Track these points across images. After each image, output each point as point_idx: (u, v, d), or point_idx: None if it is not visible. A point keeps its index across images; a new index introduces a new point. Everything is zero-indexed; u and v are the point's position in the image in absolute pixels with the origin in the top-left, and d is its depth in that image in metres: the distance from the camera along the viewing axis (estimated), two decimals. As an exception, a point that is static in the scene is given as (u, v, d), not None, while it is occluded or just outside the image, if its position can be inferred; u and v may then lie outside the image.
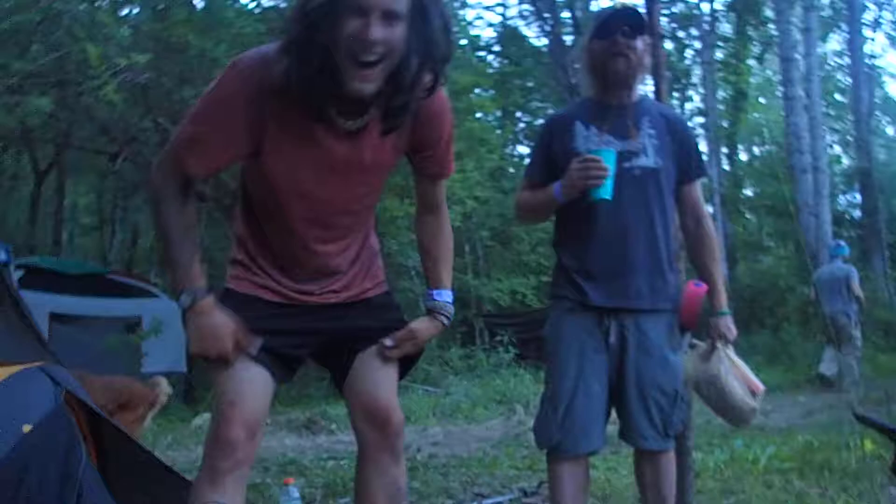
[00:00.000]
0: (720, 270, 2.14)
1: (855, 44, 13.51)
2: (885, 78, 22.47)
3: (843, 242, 7.89)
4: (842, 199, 16.48)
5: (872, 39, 13.94)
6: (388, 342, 1.55)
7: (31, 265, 7.80)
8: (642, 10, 2.07)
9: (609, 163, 1.87)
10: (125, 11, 7.14)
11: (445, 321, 1.61)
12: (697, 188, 2.11)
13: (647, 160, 1.97)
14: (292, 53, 1.25)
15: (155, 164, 1.46)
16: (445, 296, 1.61)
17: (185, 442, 5.43)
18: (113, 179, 11.05)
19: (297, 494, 2.63)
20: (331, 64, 1.22)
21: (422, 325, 1.60)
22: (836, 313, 7.19)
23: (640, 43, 1.97)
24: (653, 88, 2.50)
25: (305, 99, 1.30)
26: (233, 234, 1.62)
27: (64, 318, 7.30)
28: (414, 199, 1.69)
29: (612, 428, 2.03)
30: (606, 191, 1.87)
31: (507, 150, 16.93)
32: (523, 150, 17.73)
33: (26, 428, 1.72)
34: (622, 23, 1.96)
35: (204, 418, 6.31)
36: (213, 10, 6.61)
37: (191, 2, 6.77)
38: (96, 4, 6.04)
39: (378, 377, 1.56)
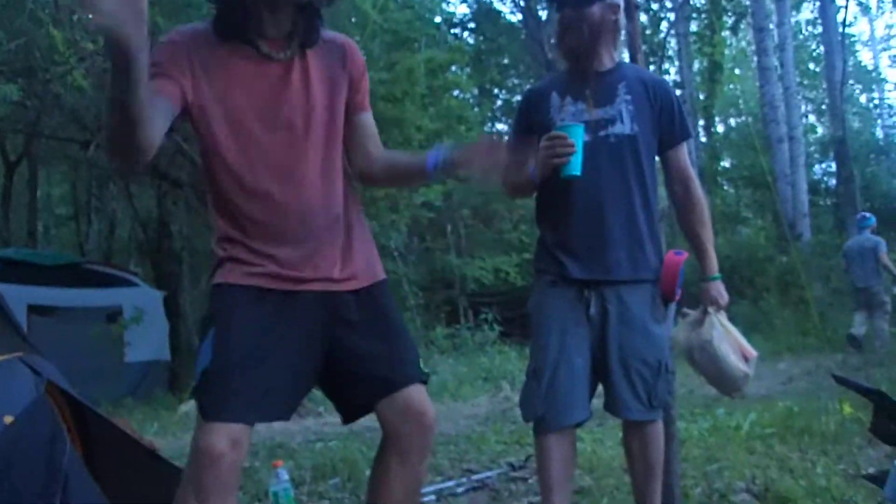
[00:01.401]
0: (710, 235, 2.09)
1: (827, 12, 13.58)
2: (857, 46, 22.76)
3: (868, 214, 8.08)
4: (817, 168, 16.70)
5: (844, 8, 13.99)
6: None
7: (5, 258, 7.67)
8: None
9: (576, 138, 1.85)
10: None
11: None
12: (683, 152, 2.07)
13: (623, 127, 1.95)
14: None
15: None
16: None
17: (171, 429, 5.41)
18: (86, 168, 10.84)
19: (286, 477, 2.63)
20: None
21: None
22: (868, 282, 7.43)
23: (597, 9, 1.95)
24: (628, 60, 2.49)
25: (237, 30, 1.44)
26: (213, 229, 1.55)
27: (42, 309, 7.20)
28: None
29: (597, 401, 2.05)
30: (575, 167, 1.86)
31: (486, 128, 16.86)
32: (502, 126, 17.70)
33: (8, 419, 1.70)
34: None
35: (189, 405, 6.28)
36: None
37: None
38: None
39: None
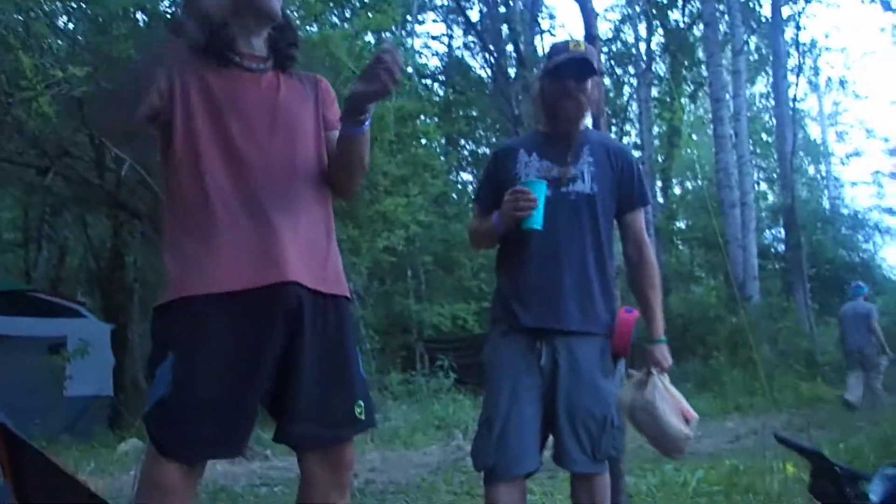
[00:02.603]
0: (658, 299, 2.15)
1: (779, 87, 14.35)
2: (806, 120, 23.98)
3: (861, 283, 8.55)
4: (767, 234, 17.31)
5: (795, 84, 14.78)
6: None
7: (-53, 282, 7.38)
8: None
9: (539, 193, 1.93)
10: (62, 22, 6.93)
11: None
12: (640, 217, 2.16)
13: (584, 186, 2.04)
14: (201, 10, 1.50)
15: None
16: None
17: (108, 469, 5.19)
18: (41, 194, 10.58)
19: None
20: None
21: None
22: (863, 345, 7.78)
23: (590, 84, 2.07)
24: (591, 123, 2.60)
25: (213, 46, 1.51)
26: (165, 239, 1.50)
27: (-19, 337, 6.92)
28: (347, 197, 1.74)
29: (548, 452, 2.06)
30: (536, 221, 1.93)
31: (452, 177, 17.11)
32: (467, 176, 17.99)
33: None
34: (574, 70, 2.04)
35: (130, 444, 6.05)
36: (156, 26, 6.50)
37: (133, 16, 6.63)
38: (31, 14, 5.85)
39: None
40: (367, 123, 1.52)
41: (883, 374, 7.86)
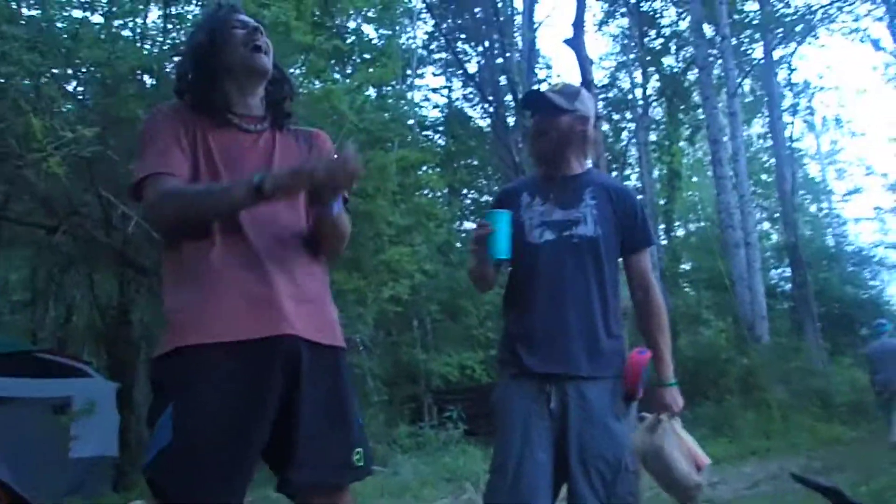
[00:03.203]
0: (667, 341, 2.11)
1: (776, 128, 14.53)
2: (805, 159, 24.18)
3: (884, 320, 8.49)
4: (773, 273, 17.25)
5: (792, 124, 15.01)
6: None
7: (-47, 344, 7.37)
8: (562, 90, 2.12)
9: (500, 224, 1.95)
10: (72, 87, 7.12)
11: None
12: (645, 258, 2.14)
13: (587, 229, 2.03)
14: (198, 73, 1.59)
15: (146, 211, 1.56)
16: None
17: (114, 532, 5.08)
18: (50, 253, 10.67)
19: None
20: (228, 66, 1.59)
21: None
22: (890, 380, 7.57)
23: (567, 119, 2.07)
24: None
25: (212, 108, 1.59)
26: (164, 289, 1.55)
27: (-14, 400, 6.86)
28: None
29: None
30: (501, 251, 1.95)
31: (455, 226, 17.21)
32: (470, 225, 18.10)
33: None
34: (533, 105, 2.11)
35: (136, 506, 5.93)
36: (163, 87, 6.67)
37: (140, 78, 6.81)
38: (42, 80, 6.02)
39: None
40: (337, 206, 1.56)
41: None
